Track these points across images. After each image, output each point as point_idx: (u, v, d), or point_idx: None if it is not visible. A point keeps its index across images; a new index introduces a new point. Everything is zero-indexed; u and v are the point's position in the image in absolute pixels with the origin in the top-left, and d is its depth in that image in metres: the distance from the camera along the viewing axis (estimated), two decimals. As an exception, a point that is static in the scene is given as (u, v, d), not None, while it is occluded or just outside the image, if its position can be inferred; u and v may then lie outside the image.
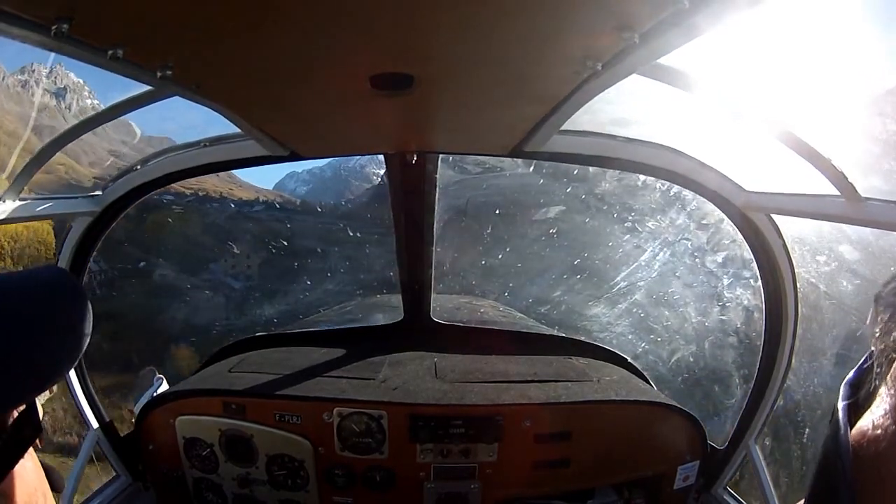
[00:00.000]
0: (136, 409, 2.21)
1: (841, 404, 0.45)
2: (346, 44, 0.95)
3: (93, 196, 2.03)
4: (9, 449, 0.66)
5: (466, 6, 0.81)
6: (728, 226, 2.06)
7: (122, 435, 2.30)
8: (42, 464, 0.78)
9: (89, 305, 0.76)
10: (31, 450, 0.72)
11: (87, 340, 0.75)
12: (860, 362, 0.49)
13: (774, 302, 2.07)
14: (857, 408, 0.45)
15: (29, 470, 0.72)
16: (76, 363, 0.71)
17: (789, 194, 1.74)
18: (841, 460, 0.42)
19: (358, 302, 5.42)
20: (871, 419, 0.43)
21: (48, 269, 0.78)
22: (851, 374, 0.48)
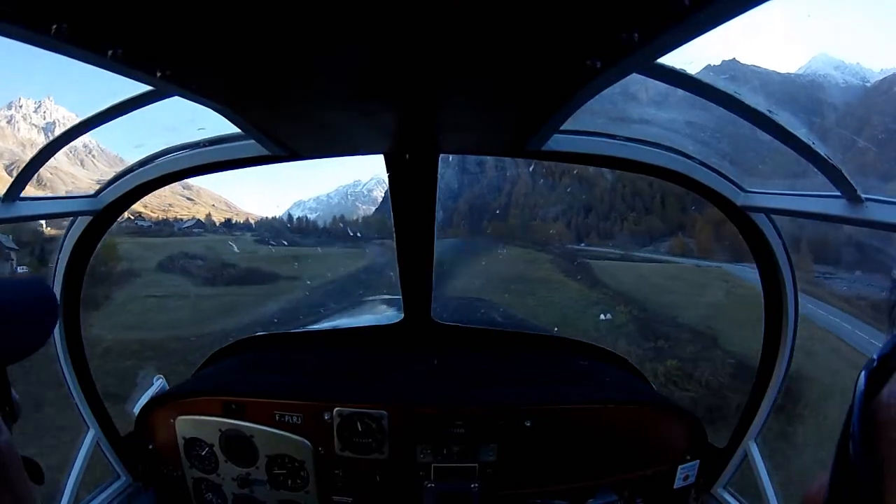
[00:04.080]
0: (136, 410, 2.21)
1: (863, 374, 0.46)
2: (345, 42, 0.94)
3: (92, 196, 2.03)
4: None
5: (465, 5, 0.81)
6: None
7: (122, 435, 2.30)
8: (22, 457, 0.80)
9: (58, 310, 0.88)
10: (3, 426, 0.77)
11: (47, 338, 0.85)
12: (891, 337, 0.48)
13: (774, 302, 2.07)
14: (880, 381, 0.45)
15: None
16: (34, 352, 0.84)
17: (789, 194, 1.74)
18: (857, 427, 0.42)
19: (358, 302, 5.42)
20: (890, 388, 0.43)
21: (31, 278, 0.94)
22: (881, 347, 0.47)
